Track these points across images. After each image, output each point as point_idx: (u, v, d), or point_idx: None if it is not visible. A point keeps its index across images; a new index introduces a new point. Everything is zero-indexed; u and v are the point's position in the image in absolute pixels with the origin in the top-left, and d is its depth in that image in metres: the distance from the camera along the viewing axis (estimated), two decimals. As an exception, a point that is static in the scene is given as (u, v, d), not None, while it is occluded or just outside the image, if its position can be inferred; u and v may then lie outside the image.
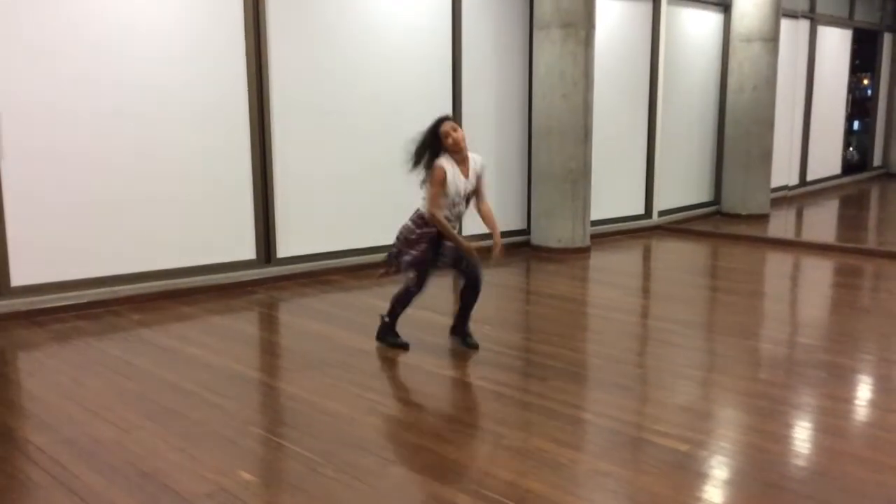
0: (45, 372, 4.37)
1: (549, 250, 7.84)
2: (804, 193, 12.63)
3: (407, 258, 4.46)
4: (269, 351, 5.09)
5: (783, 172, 11.78)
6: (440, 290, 4.84)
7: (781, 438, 3.50)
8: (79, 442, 3.38)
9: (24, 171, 5.27)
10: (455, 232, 4.42)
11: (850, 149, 14.75)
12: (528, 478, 3.05)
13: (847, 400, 4.02)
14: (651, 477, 3.08)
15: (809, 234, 9.83)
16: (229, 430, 3.51)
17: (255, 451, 3.38)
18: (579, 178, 7.75)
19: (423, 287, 4.56)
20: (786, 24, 10.87)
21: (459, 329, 4.75)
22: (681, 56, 9.63)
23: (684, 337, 5.11)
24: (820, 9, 12.51)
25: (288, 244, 6.56)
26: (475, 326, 4.80)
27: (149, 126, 5.76)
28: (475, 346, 4.68)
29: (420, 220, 4.43)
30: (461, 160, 4.39)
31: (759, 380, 4.28)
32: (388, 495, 2.93)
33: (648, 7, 9.10)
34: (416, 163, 4.37)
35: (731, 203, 10.28)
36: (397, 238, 4.54)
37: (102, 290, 5.61)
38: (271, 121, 6.32)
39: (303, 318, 5.56)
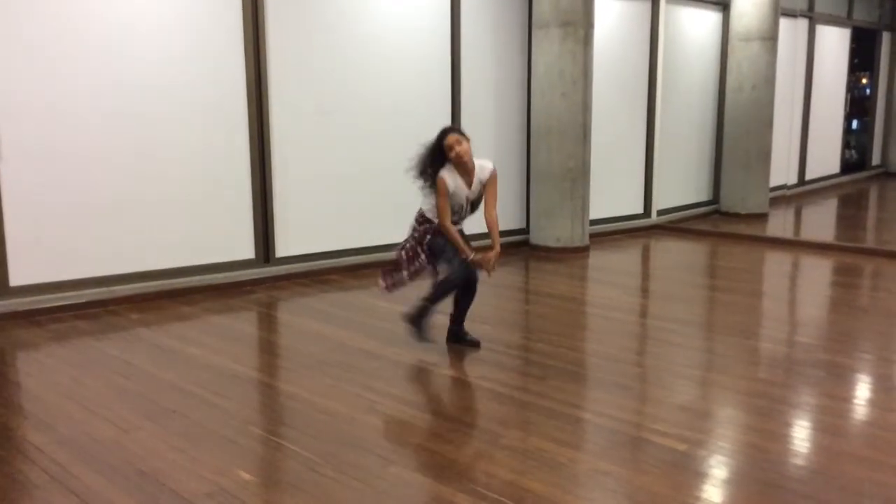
0: (44, 372, 4.37)
1: (548, 249, 7.84)
2: (803, 192, 12.64)
3: (393, 280, 4.59)
4: (269, 350, 5.09)
5: (782, 172, 11.79)
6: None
7: (780, 437, 3.50)
8: (78, 442, 3.38)
9: (23, 170, 5.26)
10: (462, 241, 4.45)
11: (849, 149, 14.76)
12: (528, 477, 3.05)
13: (846, 399, 4.02)
14: (650, 476, 3.08)
15: (808, 234, 9.84)
16: (228, 430, 3.51)
17: (254, 450, 3.38)
18: (578, 177, 7.75)
19: (463, 277, 4.48)
20: (784, 23, 10.88)
21: (456, 331, 4.74)
22: (680, 55, 9.64)
23: (683, 336, 5.11)
24: (819, 8, 12.51)
25: (287, 244, 6.56)
26: (474, 326, 4.79)
27: (148, 126, 5.75)
28: (477, 344, 4.69)
29: (421, 217, 4.56)
30: (465, 171, 4.44)
31: (758, 379, 4.28)
32: (387, 495, 2.93)
33: (647, 6, 9.10)
34: (421, 173, 4.46)
35: (729, 202, 10.29)
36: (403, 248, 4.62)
37: (101, 289, 5.61)
38: (270, 120, 6.32)
39: (302, 317, 5.56)
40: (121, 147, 5.65)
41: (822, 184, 13.42)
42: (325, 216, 6.78)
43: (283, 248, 6.54)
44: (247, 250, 6.36)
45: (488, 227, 4.54)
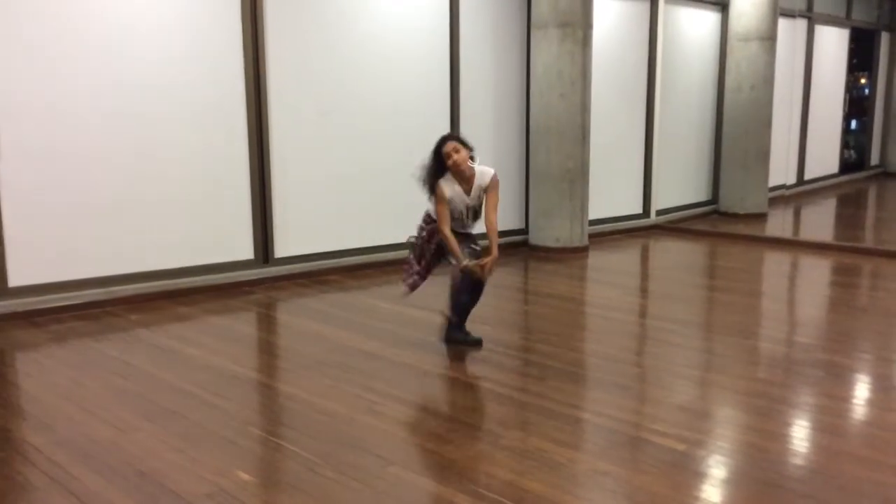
0: (43, 372, 4.36)
1: (548, 250, 7.85)
2: (802, 192, 12.65)
3: (411, 280, 4.68)
4: (268, 351, 5.08)
5: (781, 172, 11.79)
6: (440, 290, 4.83)
7: (779, 437, 3.50)
8: (76, 442, 3.37)
9: (22, 170, 5.26)
10: (458, 249, 4.47)
11: (848, 149, 14.77)
12: (527, 477, 3.05)
13: (845, 399, 4.02)
14: (649, 476, 3.08)
15: (807, 234, 9.84)
16: (228, 431, 3.51)
17: (253, 451, 3.38)
18: (577, 177, 7.75)
19: (469, 280, 4.51)
20: (783, 24, 10.88)
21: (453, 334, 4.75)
22: (678, 55, 9.64)
23: (682, 336, 5.11)
24: (817, 8, 12.52)
25: (286, 244, 6.56)
26: (473, 327, 4.79)
27: (148, 126, 5.75)
28: (479, 342, 4.69)
29: (429, 217, 4.66)
30: (463, 178, 4.49)
31: (758, 379, 4.28)
32: (386, 495, 2.93)
33: (646, 6, 9.10)
34: (424, 180, 4.55)
35: (728, 202, 10.29)
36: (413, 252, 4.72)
37: (100, 290, 5.60)
38: (269, 120, 6.32)
39: (301, 318, 5.55)
40: (120, 147, 5.65)
41: (820, 184, 13.42)
42: (325, 216, 6.78)
43: (282, 248, 6.53)
44: (246, 251, 6.36)
45: (487, 231, 4.55)
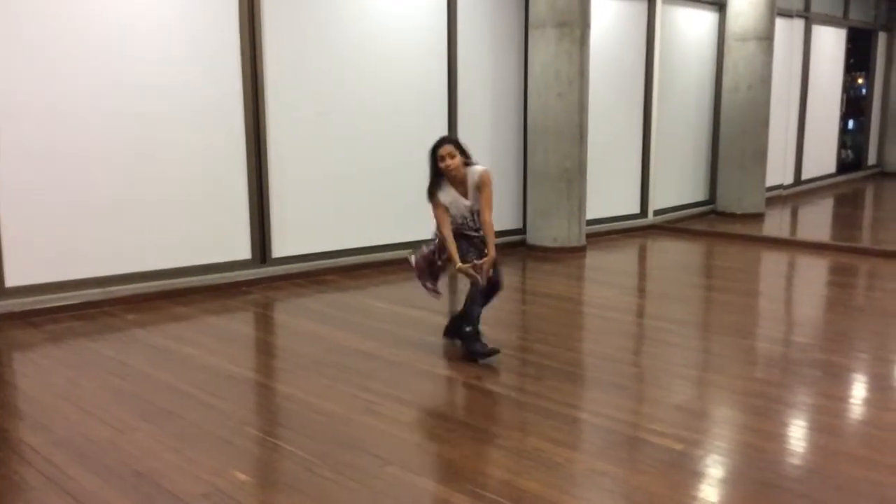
0: (40, 372, 4.36)
1: (545, 249, 7.85)
2: (799, 192, 12.65)
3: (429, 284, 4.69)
4: (265, 351, 5.08)
5: (778, 171, 11.79)
6: (440, 290, 4.82)
7: (777, 437, 3.51)
8: (73, 442, 3.37)
9: (20, 170, 5.25)
10: (454, 250, 4.45)
11: (846, 148, 14.78)
12: (524, 477, 3.05)
13: (842, 398, 4.03)
14: (647, 476, 3.08)
15: (804, 233, 9.85)
16: (225, 431, 3.50)
17: (250, 451, 3.38)
18: (575, 177, 7.75)
19: (481, 287, 4.49)
20: (780, 23, 10.89)
21: (454, 331, 4.74)
22: (676, 55, 9.65)
23: (680, 336, 5.12)
24: (815, 8, 12.53)
25: (283, 244, 6.55)
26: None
27: (147, 126, 5.75)
28: (497, 352, 4.59)
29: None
30: (457, 182, 4.47)
31: (755, 379, 4.29)
32: (384, 495, 2.93)
33: (643, 6, 9.10)
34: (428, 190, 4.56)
35: (726, 202, 10.30)
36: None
37: (97, 290, 5.59)
38: (267, 120, 6.31)
39: (298, 318, 5.55)
40: (120, 147, 5.64)
41: (818, 183, 13.43)
42: (322, 216, 6.77)
43: (279, 248, 6.53)
44: (243, 250, 6.35)
45: (482, 230, 4.53)
